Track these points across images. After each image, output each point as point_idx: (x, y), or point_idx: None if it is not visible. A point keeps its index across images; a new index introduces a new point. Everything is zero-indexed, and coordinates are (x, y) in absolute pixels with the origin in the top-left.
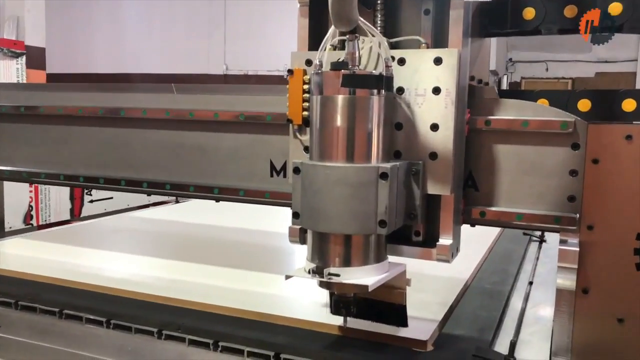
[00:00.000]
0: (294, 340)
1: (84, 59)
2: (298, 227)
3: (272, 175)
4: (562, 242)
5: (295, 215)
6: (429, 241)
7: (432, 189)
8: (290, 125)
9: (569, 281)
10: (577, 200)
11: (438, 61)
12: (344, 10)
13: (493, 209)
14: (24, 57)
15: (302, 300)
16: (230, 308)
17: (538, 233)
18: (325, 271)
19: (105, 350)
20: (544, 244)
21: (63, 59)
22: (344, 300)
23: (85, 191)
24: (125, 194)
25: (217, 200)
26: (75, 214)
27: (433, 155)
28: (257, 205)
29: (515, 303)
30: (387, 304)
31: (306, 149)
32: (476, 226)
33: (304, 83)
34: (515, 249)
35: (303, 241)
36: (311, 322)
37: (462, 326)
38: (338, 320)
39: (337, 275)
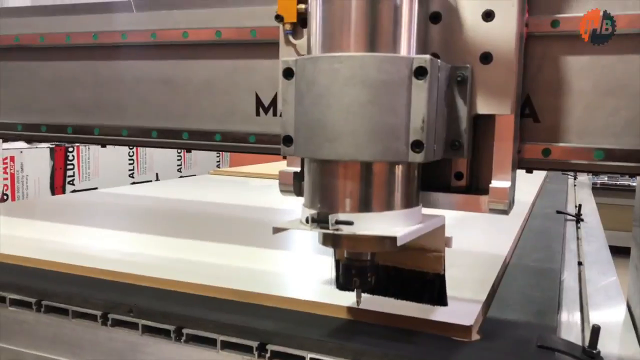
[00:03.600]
0: (285, 325)
1: None
2: (292, 170)
3: (258, 114)
4: None
5: (287, 140)
6: (473, 187)
7: (484, 107)
8: (281, 26)
9: None
10: None
11: None
12: None
13: (561, 145)
14: None
15: (296, 276)
16: (198, 285)
17: (574, 211)
18: (332, 218)
19: (35, 340)
20: (582, 223)
21: None
22: (357, 266)
23: (68, 180)
24: (111, 183)
25: (188, 149)
26: None
27: (486, 57)
28: (239, 153)
29: (571, 284)
30: (418, 274)
31: None
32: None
33: None
34: (553, 227)
35: (299, 191)
36: (309, 302)
37: (511, 309)
38: (346, 300)
39: (350, 223)
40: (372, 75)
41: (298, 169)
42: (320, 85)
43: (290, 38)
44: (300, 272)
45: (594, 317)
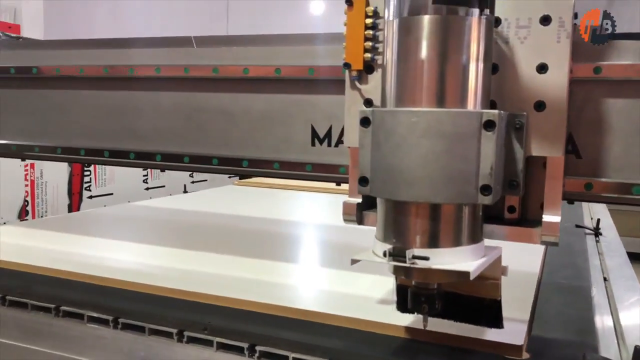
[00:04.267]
0: (351, 344)
1: None
2: (355, 201)
3: (313, 144)
4: None
5: (363, 181)
6: (523, 219)
7: (538, 149)
8: (347, 72)
9: None
10: None
11: None
12: None
13: (602, 179)
14: None
15: (352, 296)
16: (268, 305)
17: (592, 224)
18: (409, 253)
19: (112, 355)
20: (601, 237)
21: None
22: (425, 293)
23: (85, 186)
24: (126, 190)
25: (246, 176)
26: (74, 210)
27: (540, 105)
28: (295, 180)
29: (601, 300)
30: (476, 299)
31: (367, 101)
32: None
33: (367, 16)
34: (574, 241)
35: (361, 220)
36: (371, 322)
37: (551, 328)
38: (404, 321)
39: (426, 258)
40: (446, 128)
41: (359, 200)
42: (398, 135)
43: (357, 83)
44: (356, 291)
45: (628, 334)
